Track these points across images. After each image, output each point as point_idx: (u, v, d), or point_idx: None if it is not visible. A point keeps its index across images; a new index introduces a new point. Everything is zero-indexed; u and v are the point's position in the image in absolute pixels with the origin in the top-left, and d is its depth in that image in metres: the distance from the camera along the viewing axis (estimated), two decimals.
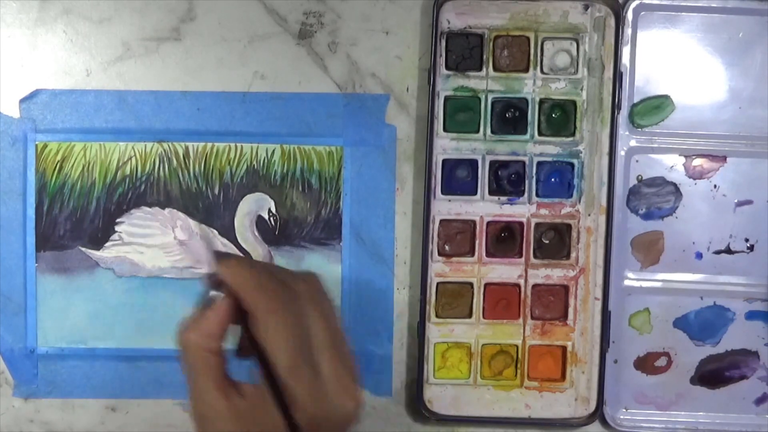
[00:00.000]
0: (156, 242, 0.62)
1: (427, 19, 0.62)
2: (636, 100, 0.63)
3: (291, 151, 0.62)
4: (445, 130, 0.62)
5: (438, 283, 0.63)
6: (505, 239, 0.63)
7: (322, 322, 0.52)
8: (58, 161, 0.62)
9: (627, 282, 0.64)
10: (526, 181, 0.62)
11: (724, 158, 0.63)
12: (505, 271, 0.63)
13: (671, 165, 0.63)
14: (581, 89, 0.62)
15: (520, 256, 0.63)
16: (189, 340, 0.52)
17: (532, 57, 0.62)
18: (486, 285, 0.63)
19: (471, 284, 0.63)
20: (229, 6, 0.62)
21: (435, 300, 0.63)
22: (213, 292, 0.52)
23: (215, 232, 0.62)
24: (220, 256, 0.52)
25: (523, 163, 0.62)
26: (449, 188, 0.62)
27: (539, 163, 0.62)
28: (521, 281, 0.63)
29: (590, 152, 0.62)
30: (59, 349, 0.62)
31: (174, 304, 0.62)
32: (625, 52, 0.62)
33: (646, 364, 0.64)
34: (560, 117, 0.62)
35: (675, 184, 0.63)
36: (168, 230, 0.62)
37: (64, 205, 0.62)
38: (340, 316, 0.55)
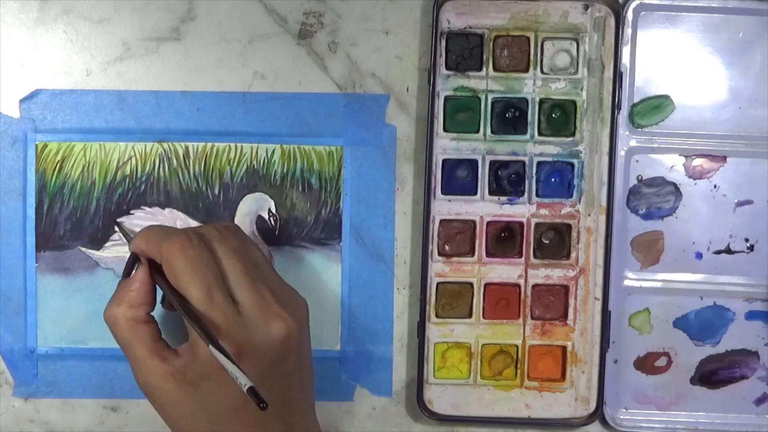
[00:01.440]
0: None
1: (427, 19, 0.62)
2: (636, 100, 0.63)
3: (291, 151, 0.62)
4: (445, 130, 0.62)
5: (438, 283, 0.63)
6: (505, 239, 0.63)
7: (235, 256, 0.53)
8: (58, 161, 0.62)
9: (627, 282, 0.64)
10: (526, 181, 0.62)
11: (724, 158, 0.63)
12: (505, 271, 0.63)
13: (671, 165, 0.63)
14: (581, 89, 0.62)
15: (520, 256, 0.63)
16: (114, 315, 0.53)
17: (532, 57, 0.62)
18: (486, 285, 0.63)
19: (471, 284, 0.63)
20: (229, 6, 0.62)
21: (435, 300, 0.63)
22: (128, 264, 0.54)
23: None
24: (130, 239, 0.55)
25: (523, 163, 0.62)
26: (449, 188, 0.62)
27: (539, 163, 0.62)
28: (521, 281, 0.63)
29: (590, 152, 0.62)
30: (59, 349, 0.62)
31: None
32: (625, 52, 0.62)
33: (646, 364, 0.64)
34: (560, 117, 0.62)
35: (675, 184, 0.63)
36: None
37: (64, 205, 0.62)
38: (263, 251, 0.57)
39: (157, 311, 0.55)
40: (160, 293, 0.55)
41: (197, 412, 0.52)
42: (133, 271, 0.55)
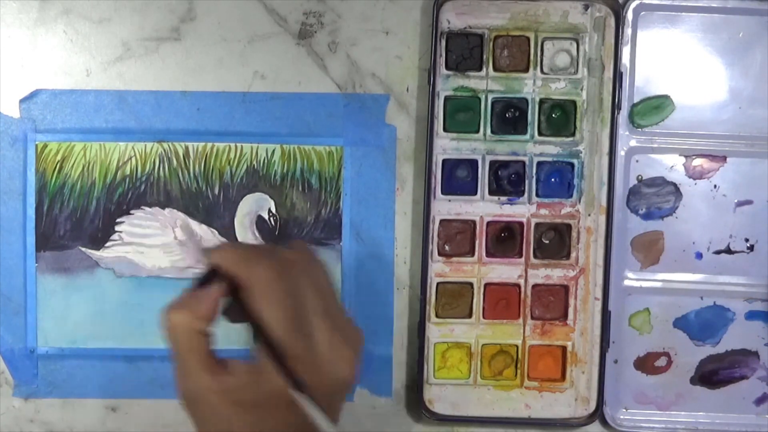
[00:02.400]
0: (156, 242, 0.62)
1: (427, 19, 0.62)
2: (636, 100, 0.63)
3: (291, 151, 0.62)
4: (445, 130, 0.62)
5: (438, 283, 0.63)
6: (505, 239, 0.63)
7: (315, 290, 0.53)
8: (58, 161, 0.62)
9: (627, 282, 0.64)
10: (526, 181, 0.62)
11: (724, 158, 0.63)
12: (505, 271, 0.63)
13: (671, 165, 0.63)
14: (581, 89, 0.62)
15: (520, 256, 0.63)
16: (177, 321, 0.52)
17: (532, 57, 0.62)
18: (486, 285, 0.63)
19: (471, 284, 0.63)
20: (229, 6, 0.62)
21: (435, 300, 0.63)
22: (204, 275, 0.53)
23: (215, 232, 0.62)
24: (208, 249, 0.53)
25: (523, 163, 0.62)
26: (449, 188, 0.62)
27: (539, 163, 0.62)
28: (521, 281, 0.63)
29: (590, 152, 0.62)
30: (59, 349, 0.62)
31: None
32: (625, 52, 0.62)
33: (646, 364, 0.64)
34: (560, 117, 0.62)
35: (675, 184, 0.63)
36: (168, 230, 0.62)
37: (64, 205, 0.62)
38: (336, 285, 0.56)
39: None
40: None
41: (233, 430, 0.52)
42: (211, 284, 0.52)
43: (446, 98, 0.62)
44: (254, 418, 0.51)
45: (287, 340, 0.51)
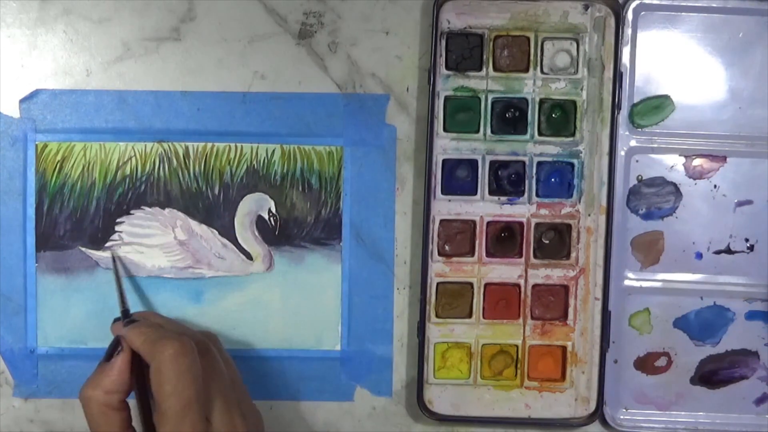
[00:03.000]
0: (156, 242, 0.62)
1: (427, 19, 0.62)
2: (636, 100, 0.63)
3: (291, 151, 0.62)
4: (445, 130, 0.62)
5: (438, 283, 0.63)
6: (505, 239, 0.63)
7: (219, 374, 0.54)
8: (58, 161, 0.62)
9: (627, 282, 0.64)
10: (526, 181, 0.62)
11: (724, 158, 0.63)
12: (505, 271, 0.63)
13: (671, 165, 0.63)
14: (581, 89, 0.62)
15: (520, 256, 0.63)
16: (89, 397, 0.54)
17: (532, 57, 0.62)
18: (486, 285, 0.63)
19: (471, 284, 0.63)
20: (229, 6, 0.62)
21: (435, 300, 0.63)
22: (110, 347, 0.55)
23: (215, 232, 0.62)
24: (129, 323, 0.56)
25: (523, 163, 0.62)
26: (449, 188, 0.62)
27: (539, 163, 0.62)
28: (521, 281, 0.63)
29: (590, 152, 0.62)
30: (59, 349, 0.62)
31: (174, 304, 0.62)
32: (625, 52, 0.62)
33: (646, 364, 0.64)
34: (560, 117, 0.62)
35: (675, 184, 0.63)
36: (168, 230, 0.62)
37: (64, 205, 0.62)
38: (237, 369, 0.57)
39: None
40: None
41: None
42: (114, 356, 0.54)
43: (446, 98, 0.62)
44: None
45: (181, 423, 0.51)
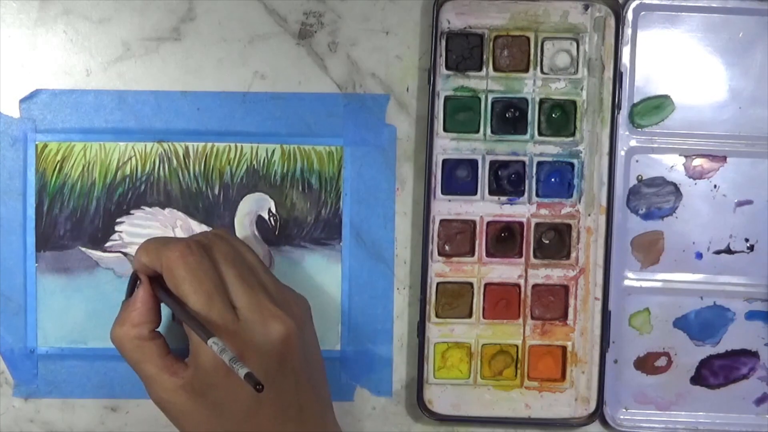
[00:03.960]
0: None
1: (427, 19, 0.62)
2: (636, 100, 0.63)
3: (291, 151, 0.62)
4: (445, 130, 0.62)
5: (438, 283, 0.63)
6: (505, 239, 0.63)
7: (230, 261, 0.54)
8: (58, 161, 0.62)
9: (627, 282, 0.64)
10: (526, 181, 0.62)
11: (724, 158, 0.63)
12: (505, 271, 0.63)
13: (671, 165, 0.63)
14: (581, 89, 0.62)
15: (520, 256, 0.63)
16: (120, 336, 0.54)
17: (532, 57, 0.62)
18: (486, 285, 0.63)
19: (471, 284, 0.63)
20: (229, 6, 0.62)
21: (435, 300, 0.63)
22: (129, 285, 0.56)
23: None
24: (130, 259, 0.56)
25: (523, 163, 0.62)
26: (449, 188, 0.62)
27: (539, 163, 0.62)
28: (521, 281, 0.63)
29: (590, 152, 0.62)
30: (59, 349, 0.62)
31: None
32: (625, 52, 0.62)
33: (646, 364, 0.64)
34: (560, 117, 0.62)
35: (675, 184, 0.63)
36: (168, 230, 0.62)
37: (64, 205, 0.62)
38: (257, 253, 0.58)
39: (165, 326, 0.56)
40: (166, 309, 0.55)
41: (211, 421, 0.53)
42: (135, 290, 0.55)
43: (446, 98, 0.62)
44: (215, 400, 0.52)
45: (210, 314, 0.51)
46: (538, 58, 0.62)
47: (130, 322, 0.54)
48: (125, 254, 0.62)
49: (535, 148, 0.62)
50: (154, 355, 0.53)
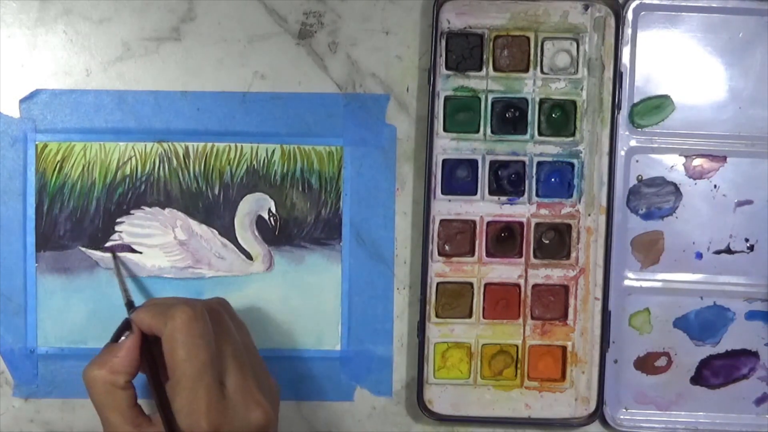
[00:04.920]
0: (156, 242, 0.62)
1: (427, 19, 0.62)
2: (636, 100, 0.63)
3: (291, 151, 0.62)
4: (445, 130, 0.62)
5: (438, 283, 0.63)
6: (505, 239, 0.63)
7: (230, 336, 0.53)
8: (58, 161, 0.62)
9: (627, 282, 0.64)
10: (526, 181, 0.62)
11: (724, 158, 0.63)
12: (505, 271, 0.63)
13: (671, 165, 0.63)
14: (581, 89, 0.62)
15: (520, 256, 0.63)
16: (94, 377, 0.54)
17: (532, 57, 0.62)
18: (486, 285, 0.63)
19: (471, 284, 0.63)
20: (229, 6, 0.62)
21: (435, 300, 0.63)
22: (119, 329, 0.55)
23: (215, 232, 0.62)
24: (131, 308, 0.56)
25: (523, 163, 0.62)
26: (449, 188, 0.62)
27: (539, 163, 0.62)
28: (521, 281, 0.63)
29: (590, 152, 0.62)
30: (59, 349, 0.62)
31: None
32: (625, 52, 0.62)
33: (646, 364, 0.64)
34: (560, 117, 0.62)
35: (675, 184, 0.63)
36: (168, 230, 0.62)
37: (64, 205, 0.62)
38: (249, 332, 0.57)
39: None
40: None
41: None
42: (123, 338, 0.54)
43: (446, 98, 0.62)
44: None
45: (197, 386, 0.51)
46: (538, 58, 0.62)
47: (109, 367, 0.53)
48: (114, 255, 0.62)
49: (535, 148, 0.62)
50: (123, 404, 0.53)
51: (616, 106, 0.62)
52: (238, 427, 0.52)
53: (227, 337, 0.54)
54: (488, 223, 0.63)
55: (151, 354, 0.53)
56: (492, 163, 0.62)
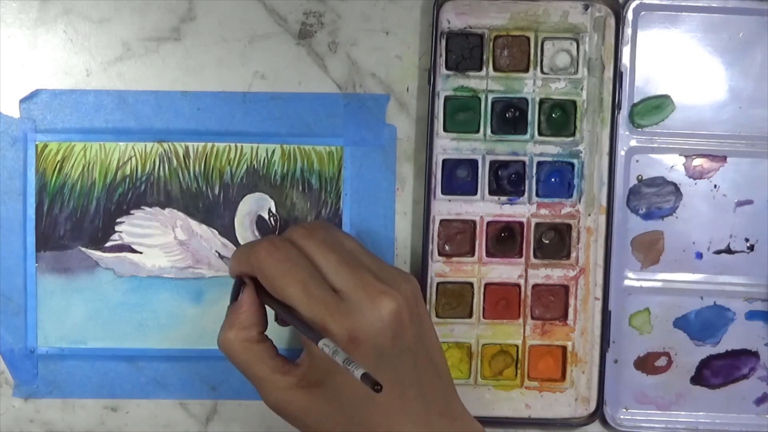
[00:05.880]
0: (156, 242, 0.62)
1: (427, 19, 0.62)
2: (636, 100, 0.63)
3: (291, 151, 0.62)
4: (445, 130, 0.62)
5: (438, 283, 0.63)
6: (505, 239, 0.63)
7: (326, 246, 0.53)
8: (58, 161, 0.62)
9: (627, 282, 0.64)
10: (526, 181, 0.62)
11: (724, 158, 0.63)
12: (505, 271, 0.63)
13: (671, 165, 0.63)
14: (581, 89, 0.62)
15: (520, 256, 0.63)
16: (228, 340, 0.53)
17: (532, 57, 0.62)
18: (486, 285, 0.63)
19: (471, 284, 0.63)
20: (229, 6, 0.62)
21: (435, 300, 0.63)
22: (234, 289, 0.55)
23: (215, 232, 0.62)
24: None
25: (523, 163, 0.62)
26: (449, 188, 0.62)
27: (539, 163, 0.62)
28: (521, 281, 0.63)
29: (590, 152, 0.62)
30: (59, 349, 0.62)
31: (174, 304, 0.62)
32: (625, 52, 0.62)
33: (646, 364, 0.64)
34: (560, 117, 0.62)
35: (675, 184, 0.63)
36: (168, 230, 0.62)
37: (64, 205, 0.62)
38: (350, 235, 0.57)
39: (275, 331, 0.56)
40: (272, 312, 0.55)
41: (332, 411, 0.51)
42: (240, 294, 0.55)
43: (446, 98, 0.62)
44: (334, 389, 0.51)
45: (310, 303, 0.50)
46: (538, 58, 0.62)
47: (238, 325, 0.53)
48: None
49: (535, 148, 0.62)
50: (264, 356, 0.53)
51: (616, 106, 0.62)
52: (370, 322, 0.50)
53: (325, 248, 0.53)
54: (488, 223, 0.63)
55: (270, 294, 0.53)
56: (492, 163, 0.62)
